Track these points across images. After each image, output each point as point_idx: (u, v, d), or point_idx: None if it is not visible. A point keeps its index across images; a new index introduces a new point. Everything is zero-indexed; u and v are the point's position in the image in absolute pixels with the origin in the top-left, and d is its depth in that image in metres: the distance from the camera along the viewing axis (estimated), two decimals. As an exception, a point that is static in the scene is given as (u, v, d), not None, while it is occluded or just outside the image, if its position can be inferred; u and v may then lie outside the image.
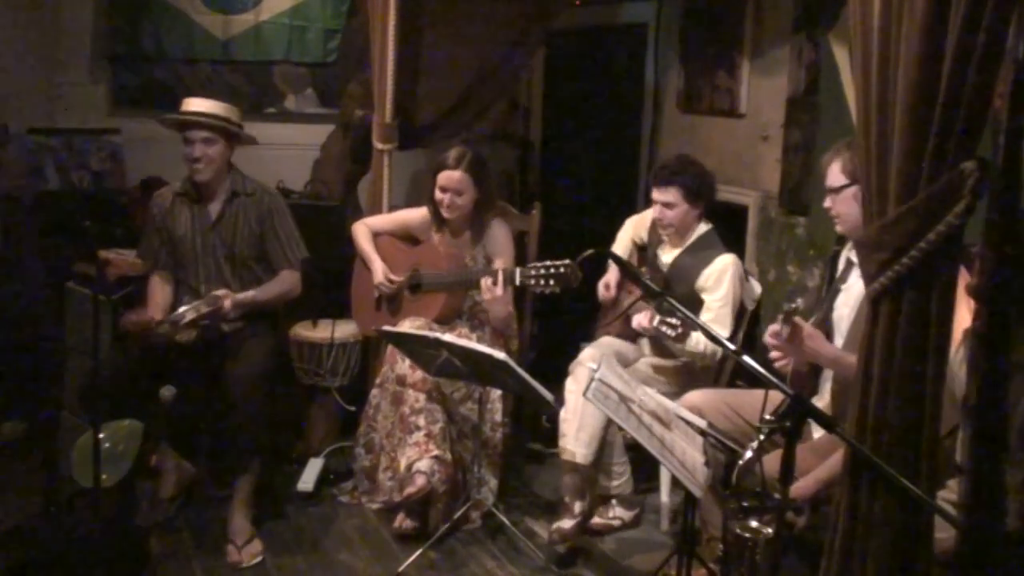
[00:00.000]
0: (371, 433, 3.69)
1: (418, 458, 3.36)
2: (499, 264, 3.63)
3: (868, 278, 1.91)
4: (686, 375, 3.53)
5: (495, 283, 3.38)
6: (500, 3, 4.10)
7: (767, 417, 2.03)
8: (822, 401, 2.79)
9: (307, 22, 5.03)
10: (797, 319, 2.58)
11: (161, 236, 3.58)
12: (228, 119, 3.50)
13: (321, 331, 3.98)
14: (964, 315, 2.03)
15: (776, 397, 2.13)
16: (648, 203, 3.68)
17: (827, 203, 2.77)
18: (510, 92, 5.34)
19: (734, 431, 2.85)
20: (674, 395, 3.31)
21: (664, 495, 3.56)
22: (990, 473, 1.86)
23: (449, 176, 3.61)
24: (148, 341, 3.36)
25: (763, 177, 4.07)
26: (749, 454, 2.04)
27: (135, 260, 3.97)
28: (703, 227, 3.57)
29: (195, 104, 3.51)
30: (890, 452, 1.88)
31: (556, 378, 3.49)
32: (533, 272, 3.26)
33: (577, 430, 3.33)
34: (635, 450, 3.43)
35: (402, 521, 3.46)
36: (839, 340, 2.78)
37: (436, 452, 3.37)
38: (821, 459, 2.49)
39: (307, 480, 3.77)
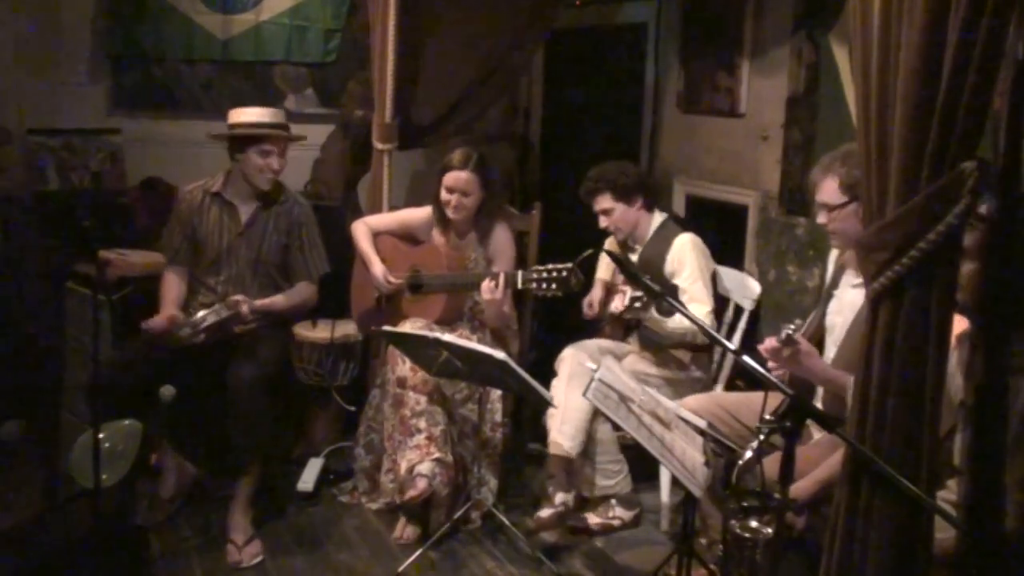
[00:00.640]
0: (371, 434, 3.70)
1: (419, 461, 3.36)
2: (500, 267, 3.63)
3: (868, 278, 1.91)
4: (675, 367, 3.55)
5: (496, 286, 3.38)
6: (500, 3, 4.10)
7: (767, 417, 2.03)
8: (819, 402, 2.79)
9: (307, 22, 5.03)
10: (796, 336, 2.56)
11: (184, 232, 3.58)
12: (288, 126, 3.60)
13: (321, 331, 3.97)
14: (958, 319, 2.03)
15: (775, 399, 2.13)
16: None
17: (821, 219, 2.70)
18: (510, 92, 5.34)
19: (732, 436, 2.84)
20: (664, 388, 3.34)
21: (664, 495, 3.56)
22: (990, 473, 1.87)
23: (457, 177, 3.60)
24: (162, 342, 3.35)
25: (763, 177, 4.07)
26: (749, 454, 2.04)
27: (135, 260, 3.98)
28: (658, 218, 3.62)
29: (259, 115, 3.53)
30: (890, 452, 1.88)
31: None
32: (535, 276, 3.25)
33: (560, 423, 3.37)
34: (634, 450, 3.43)
35: (403, 529, 3.46)
36: (832, 347, 2.77)
37: (437, 455, 3.37)
38: (821, 459, 2.49)
39: (307, 480, 3.77)
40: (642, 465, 3.59)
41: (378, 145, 4.08)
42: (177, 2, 4.80)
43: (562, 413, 3.36)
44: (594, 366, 2.72)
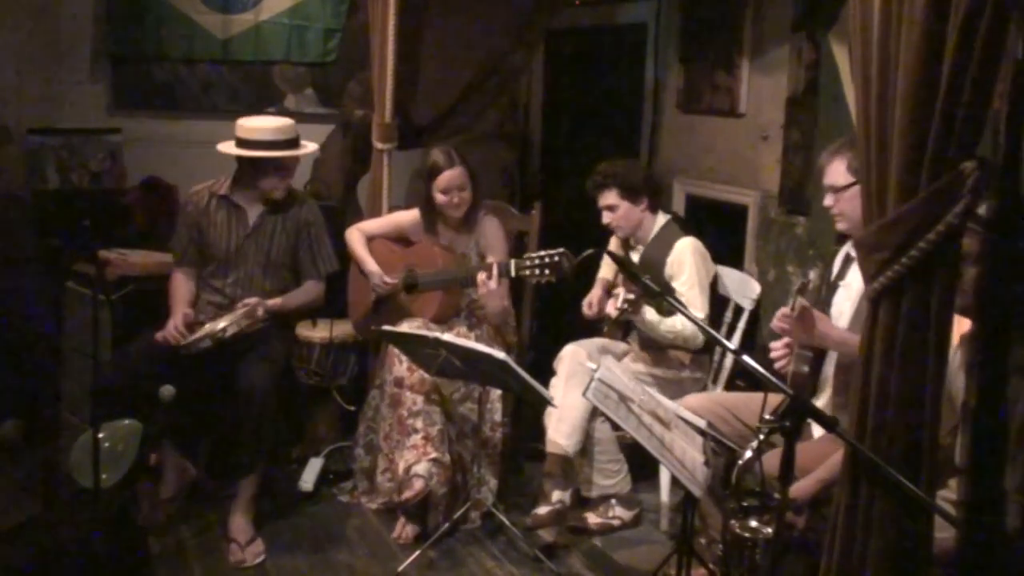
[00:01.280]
0: (371, 434, 3.70)
1: (416, 461, 3.36)
2: (493, 257, 3.64)
3: (868, 278, 1.91)
4: (674, 368, 3.56)
5: (490, 277, 3.39)
6: (500, 3, 4.10)
7: (767, 417, 2.03)
8: (823, 398, 2.80)
9: (307, 22, 5.03)
10: (805, 303, 2.58)
11: (191, 234, 3.58)
12: (299, 138, 3.58)
13: (321, 331, 3.98)
14: (961, 320, 2.03)
15: (775, 399, 2.13)
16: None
17: (828, 201, 2.76)
18: (510, 92, 5.34)
19: (732, 435, 2.84)
20: (663, 389, 3.34)
21: (664, 495, 3.56)
22: (990, 473, 1.87)
23: (450, 175, 3.61)
24: (180, 350, 3.34)
25: (763, 177, 4.07)
26: (749, 454, 2.04)
27: (135, 260, 3.98)
28: (661, 219, 3.62)
29: (274, 132, 3.48)
30: (890, 452, 1.88)
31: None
32: (528, 263, 3.27)
33: (557, 421, 3.38)
34: (634, 449, 3.43)
35: (402, 529, 3.46)
36: None
37: (434, 455, 3.38)
38: (822, 457, 2.49)
39: (307, 480, 3.78)
40: (642, 465, 3.59)
41: (378, 145, 4.08)
42: (177, 2, 4.80)
43: (560, 412, 3.36)
44: (594, 366, 2.72)
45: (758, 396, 2.67)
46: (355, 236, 3.88)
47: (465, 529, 3.50)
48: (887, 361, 1.88)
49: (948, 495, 2.19)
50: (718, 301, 3.66)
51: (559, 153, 5.57)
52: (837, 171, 2.71)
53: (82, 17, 4.72)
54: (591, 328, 3.87)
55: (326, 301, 3.83)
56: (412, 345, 3.32)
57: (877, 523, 1.90)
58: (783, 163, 3.93)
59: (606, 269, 3.83)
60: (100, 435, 2.76)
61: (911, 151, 1.78)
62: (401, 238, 3.87)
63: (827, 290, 2.87)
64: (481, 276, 3.41)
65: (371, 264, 3.78)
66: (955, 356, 2.19)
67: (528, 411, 4.01)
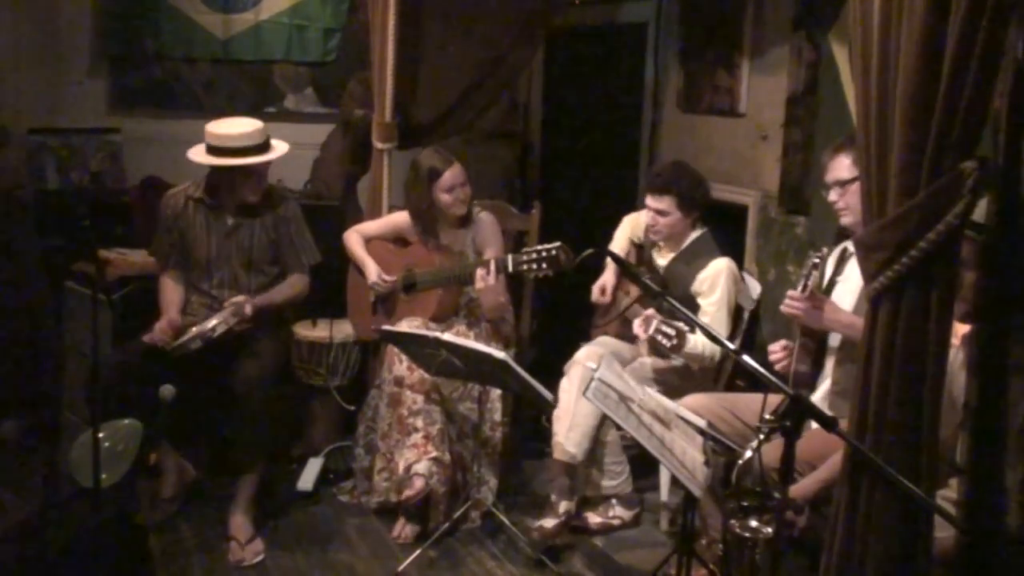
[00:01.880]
0: (371, 434, 3.70)
1: (416, 460, 3.36)
2: (490, 253, 3.64)
3: (868, 278, 1.92)
4: (684, 376, 3.53)
5: (488, 272, 3.39)
6: (500, 2, 4.10)
7: (767, 417, 2.03)
8: (821, 391, 2.82)
9: (307, 21, 5.03)
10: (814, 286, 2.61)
11: (172, 238, 3.57)
12: (269, 141, 3.54)
13: (321, 331, 3.98)
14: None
15: (775, 399, 2.13)
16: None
17: (833, 196, 2.76)
18: (510, 91, 5.33)
19: (732, 434, 2.84)
20: (671, 395, 3.32)
21: (664, 495, 3.56)
22: (990, 473, 1.87)
23: (452, 174, 3.61)
24: (170, 351, 3.34)
25: (763, 177, 4.07)
26: (749, 454, 2.04)
27: (135, 260, 3.98)
28: (697, 231, 3.55)
29: (242, 137, 3.43)
30: (890, 452, 1.88)
31: (556, 377, 3.49)
32: (525, 258, 3.27)
33: (568, 429, 3.35)
34: (634, 449, 3.43)
35: (402, 528, 3.46)
36: None
37: (434, 454, 3.38)
38: (821, 448, 2.48)
39: (307, 480, 3.77)
40: (642, 464, 3.59)
41: (378, 144, 4.08)
42: (177, 1, 4.80)
43: (570, 419, 3.34)
44: (594, 365, 2.71)
45: (758, 395, 2.67)
46: (353, 238, 3.89)
47: (465, 528, 3.50)
48: (887, 361, 1.88)
49: (948, 495, 2.19)
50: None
51: (559, 153, 5.57)
52: (841, 165, 2.72)
53: (82, 17, 4.72)
54: (590, 327, 3.87)
55: (323, 301, 3.83)
56: (412, 345, 3.32)
57: (877, 523, 1.90)
58: (783, 162, 3.92)
59: (618, 246, 3.78)
60: (100, 435, 2.76)
61: (911, 151, 1.78)
62: (399, 239, 3.87)
63: (825, 289, 2.87)
64: (479, 272, 3.41)
65: (370, 265, 3.79)
66: (956, 356, 2.19)
67: (528, 411, 4.02)
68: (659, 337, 3.08)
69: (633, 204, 4.79)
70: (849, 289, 2.80)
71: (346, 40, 5.06)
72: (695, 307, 3.41)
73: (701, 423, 2.78)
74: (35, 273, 4.24)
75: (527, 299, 4.05)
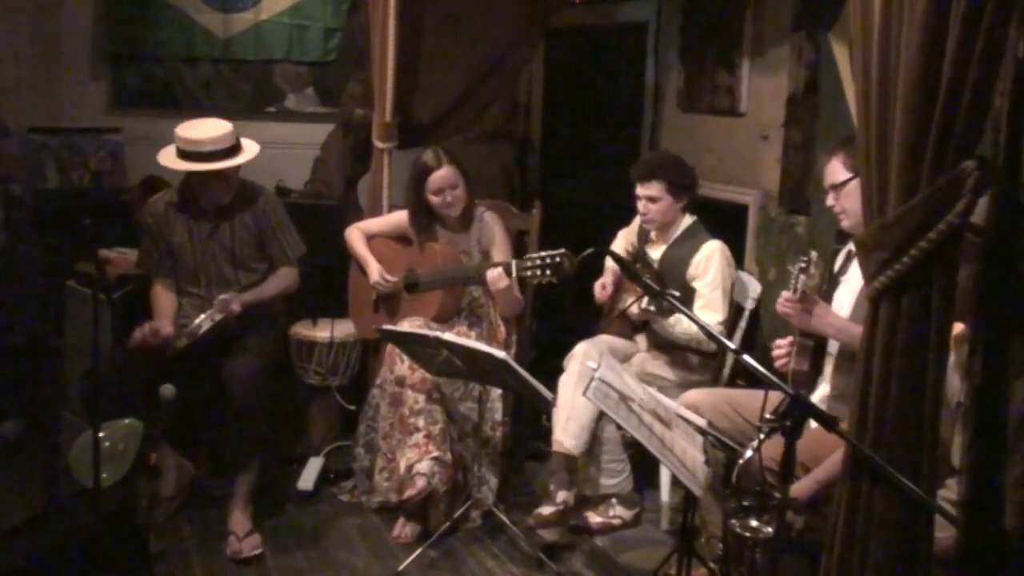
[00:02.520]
0: (371, 433, 3.70)
1: (418, 460, 3.36)
2: (497, 255, 3.64)
3: (868, 278, 1.92)
4: (683, 369, 3.54)
5: (499, 277, 3.38)
6: (500, 2, 4.10)
7: (767, 416, 2.03)
8: (820, 392, 2.81)
9: (307, 21, 5.03)
10: (805, 288, 2.63)
11: (159, 246, 3.57)
12: (239, 142, 3.50)
13: (321, 330, 3.98)
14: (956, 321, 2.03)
15: (776, 397, 2.13)
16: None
17: (830, 201, 2.77)
18: (510, 91, 5.34)
19: (734, 430, 2.85)
20: (670, 390, 3.33)
21: (664, 494, 3.56)
22: (990, 473, 1.87)
23: (441, 176, 3.60)
24: (157, 351, 3.35)
25: (763, 176, 4.07)
26: (749, 453, 2.04)
27: (135, 259, 3.97)
28: (688, 219, 3.60)
29: (212, 141, 3.41)
30: (890, 452, 1.88)
31: (556, 377, 3.49)
32: (529, 263, 3.27)
33: (566, 421, 3.37)
34: (635, 448, 3.43)
35: (403, 528, 3.46)
36: None
37: (436, 453, 3.38)
38: (821, 448, 2.49)
39: (307, 479, 3.77)
40: (642, 464, 3.59)
41: (378, 144, 4.08)
42: (177, 1, 4.80)
43: (568, 411, 3.36)
44: (595, 364, 2.72)
45: (760, 392, 2.67)
46: (355, 235, 3.88)
47: (466, 528, 3.50)
48: (887, 361, 1.88)
49: (948, 495, 2.19)
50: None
51: (559, 153, 5.57)
52: (834, 169, 2.72)
53: (82, 17, 4.72)
54: (593, 324, 3.87)
55: (323, 301, 3.83)
56: (412, 344, 3.32)
57: (877, 523, 1.90)
58: (783, 162, 3.93)
59: (619, 248, 3.80)
60: (100, 435, 2.75)
61: (911, 150, 1.78)
62: (402, 237, 3.87)
63: (829, 284, 2.88)
64: (492, 275, 3.40)
65: (372, 263, 3.78)
66: (949, 358, 2.19)
67: (528, 410, 4.02)
68: (651, 307, 3.15)
69: (633, 203, 4.79)
70: (850, 290, 2.80)
71: (346, 40, 5.06)
72: (692, 293, 3.44)
73: (701, 422, 2.78)
74: (35, 272, 4.24)
75: (527, 299, 4.05)
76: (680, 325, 3.38)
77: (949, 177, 1.76)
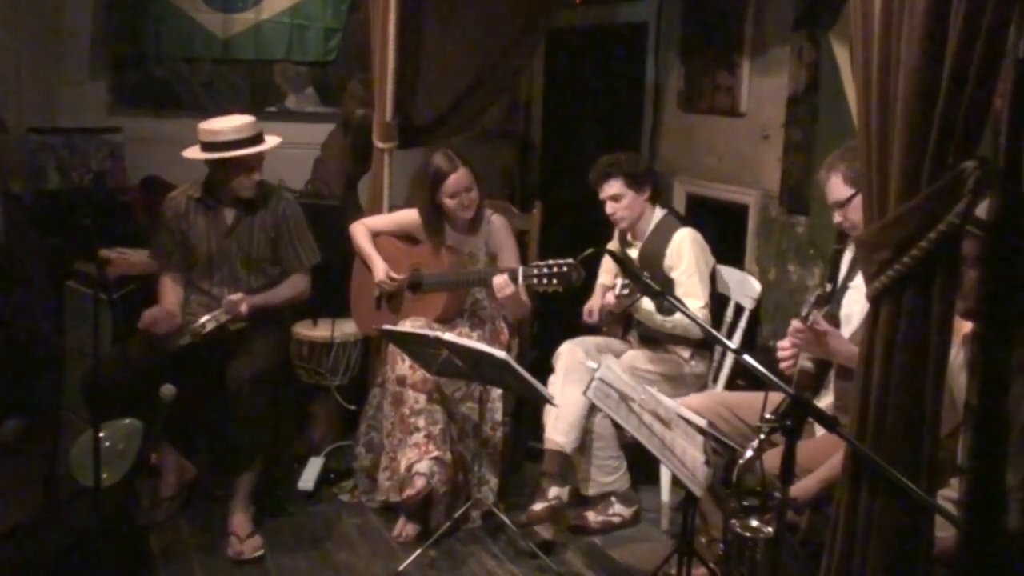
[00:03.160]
0: (371, 433, 3.70)
1: (418, 459, 3.36)
2: (505, 259, 3.65)
3: (868, 278, 1.92)
4: (675, 363, 3.56)
5: (507, 283, 3.37)
6: (500, 2, 4.10)
7: (767, 416, 2.03)
8: (827, 399, 2.80)
9: (307, 21, 5.03)
10: (819, 319, 2.59)
11: (174, 239, 3.57)
12: (261, 134, 3.53)
13: (322, 330, 3.98)
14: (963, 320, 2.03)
15: (776, 398, 2.13)
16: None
17: (837, 218, 2.74)
18: (510, 91, 5.34)
19: (733, 433, 2.84)
20: (662, 384, 3.35)
21: (664, 494, 3.56)
22: (990, 473, 1.87)
23: (457, 179, 3.60)
24: (161, 346, 3.35)
25: (763, 176, 4.07)
26: (749, 453, 2.04)
27: (136, 259, 3.97)
28: (659, 213, 3.63)
29: (236, 130, 3.43)
30: (890, 452, 1.88)
31: (556, 377, 3.50)
32: (536, 271, 3.25)
33: (555, 419, 3.39)
34: (635, 448, 3.43)
35: (403, 528, 3.46)
36: (848, 334, 2.77)
37: (436, 453, 3.38)
38: (823, 455, 2.49)
39: (307, 479, 3.78)
40: (642, 464, 3.59)
41: (378, 144, 4.08)
42: (177, 1, 4.80)
43: (557, 409, 3.36)
44: (595, 364, 2.72)
45: (759, 395, 2.67)
46: (360, 231, 3.87)
47: (466, 528, 3.50)
48: (887, 361, 1.88)
49: (949, 495, 2.19)
50: (719, 300, 3.65)
51: (559, 153, 5.57)
52: (836, 186, 2.69)
53: (82, 17, 4.72)
54: (591, 326, 3.87)
55: (324, 300, 3.83)
56: (413, 345, 3.32)
57: (877, 523, 1.90)
58: (783, 162, 3.93)
59: (605, 276, 3.83)
60: (100, 434, 2.76)
61: (912, 151, 1.78)
62: (407, 236, 3.86)
63: (838, 290, 2.86)
64: (498, 281, 3.39)
65: (377, 260, 3.77)
66: (956, 356, 2.18)
67: (529, 410, 4.02)
68: (625, 291, 3.15)
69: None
70: (859, 299, 2.78)
71: (346, 40, 5.06)
72: (672, 284, 3.46)
73: (701, 422, 2.78)
74: (35, 272, 4.24)
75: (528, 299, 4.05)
76: (676, 318, 3.38)
77: (950, 177, 1.76)
